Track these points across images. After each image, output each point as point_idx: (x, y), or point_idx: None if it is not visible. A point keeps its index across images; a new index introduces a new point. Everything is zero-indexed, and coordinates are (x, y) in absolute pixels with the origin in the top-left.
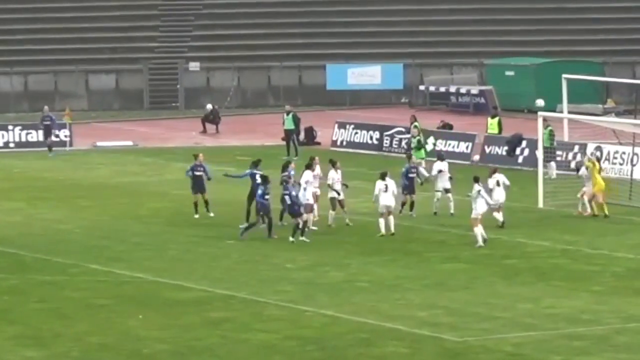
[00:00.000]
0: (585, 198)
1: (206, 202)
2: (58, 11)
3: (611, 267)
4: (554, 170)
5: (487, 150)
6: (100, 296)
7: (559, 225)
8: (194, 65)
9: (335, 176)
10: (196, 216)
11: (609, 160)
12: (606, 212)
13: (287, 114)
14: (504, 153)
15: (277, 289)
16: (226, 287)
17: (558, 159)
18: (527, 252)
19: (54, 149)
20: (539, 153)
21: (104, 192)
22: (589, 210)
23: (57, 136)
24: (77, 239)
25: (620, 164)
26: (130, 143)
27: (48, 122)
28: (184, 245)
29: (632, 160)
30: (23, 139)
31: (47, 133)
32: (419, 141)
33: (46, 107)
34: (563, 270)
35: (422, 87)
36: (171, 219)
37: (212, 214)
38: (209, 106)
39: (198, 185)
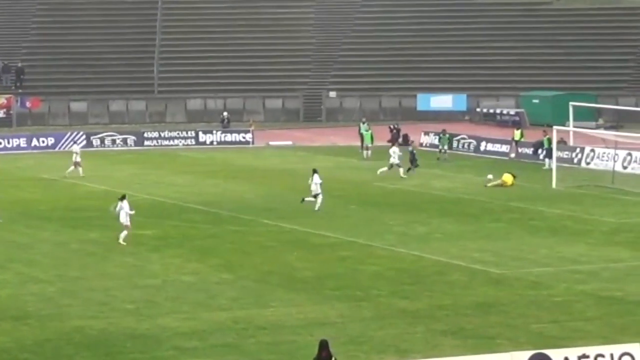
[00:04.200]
0: None
1: None
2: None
3: (600, 227)
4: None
5: (520, 150)
6: (270, 240)
7: (565, 199)
8: (332, 94)
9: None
10: None
11: (599, 158)
12: None
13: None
14: (531, 152)
15: (382, 237)
16: (350, 236)
17: (566, 157)
18: (545, 216)
19: None
20: (554, 153)
21: (273, 174)
22: None
23: None
24: (256, 204)
25: (607, 160)
26: (290, 143)
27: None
28: (324, 209)
29: (614, 158)
30: (223, 139)
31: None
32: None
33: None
34: (569, 228)
35: (478, 109)
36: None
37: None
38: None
39: None
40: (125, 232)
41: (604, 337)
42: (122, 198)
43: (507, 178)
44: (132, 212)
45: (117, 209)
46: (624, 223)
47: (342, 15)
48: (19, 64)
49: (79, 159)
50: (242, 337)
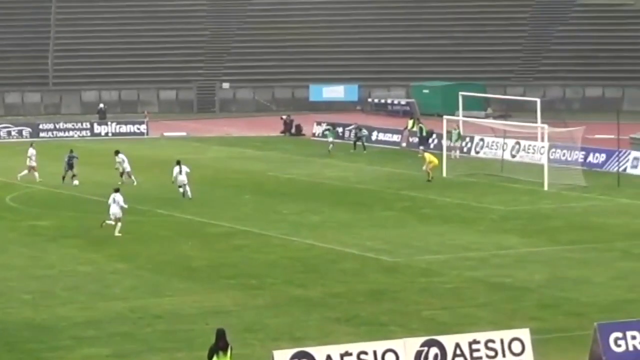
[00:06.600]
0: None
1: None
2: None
3: (489, 215)
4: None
5: (410, 140)
6: (165, 230)
7: (455, 188)
8: (226, 85)
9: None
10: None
11: (488, 146)
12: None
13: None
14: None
15: (277, 226)
16: (245, 225)
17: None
18: (436, 204)
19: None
20: (444, 142)
21: (168, 165)
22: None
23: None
24: (152, 194)
25: (496, 149)
26: (184, 134)
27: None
28: (219, 198)
29: (502, 147)
30: (118, 131)
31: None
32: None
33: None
34: (459, 216)
35: (370, 100)
36: (211, 182)
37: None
38: None
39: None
40: (119, 225)
41: (494, 323)
42: (117, 190)
43: (430, 158)
44: (126, 206)
45: (109, 201)
46: (513, 211)
47: (235, 7)
48: None
49: (34, 163)
50: (139, 326)
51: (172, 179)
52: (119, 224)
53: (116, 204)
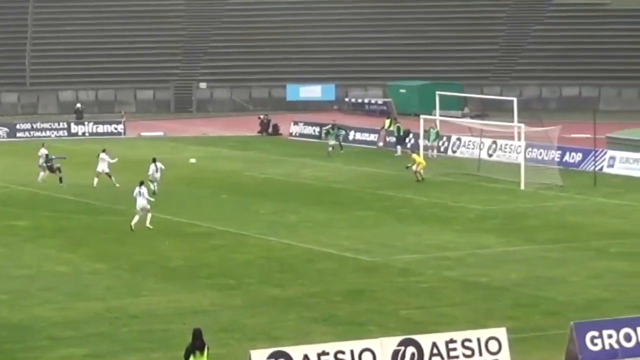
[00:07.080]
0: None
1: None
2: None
3: (466, 214)
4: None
5: (387, 139)
6: (143, 230)
7: (432, 187)
8: (203, 85)
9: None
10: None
11: (465, 146)
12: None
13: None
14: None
15: (254, 226)
16: (222, 225)
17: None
18: (413, 204)
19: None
20: (421, 141)
21: (145, 165)
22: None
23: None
24: (129, 194)
25: (473, 149)
26: (161, 133)
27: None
28: (196, 198)
29: (479, 146)
30: (95, 130)
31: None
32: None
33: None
34: (436, 216)
35: (347, 99)
36: (188, 182)
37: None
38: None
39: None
40: (149, 216)
41: (471, 322)
42: (141, 184)
43: (419, 159)
44: (152, 200)
45: (135, 194)
46: (490, 210)
47: (212, 7)
48: None
49: (42, 162)
50: (116, 326)
51: (148, 176)
52: (149, 215)
53: (142, 196)
